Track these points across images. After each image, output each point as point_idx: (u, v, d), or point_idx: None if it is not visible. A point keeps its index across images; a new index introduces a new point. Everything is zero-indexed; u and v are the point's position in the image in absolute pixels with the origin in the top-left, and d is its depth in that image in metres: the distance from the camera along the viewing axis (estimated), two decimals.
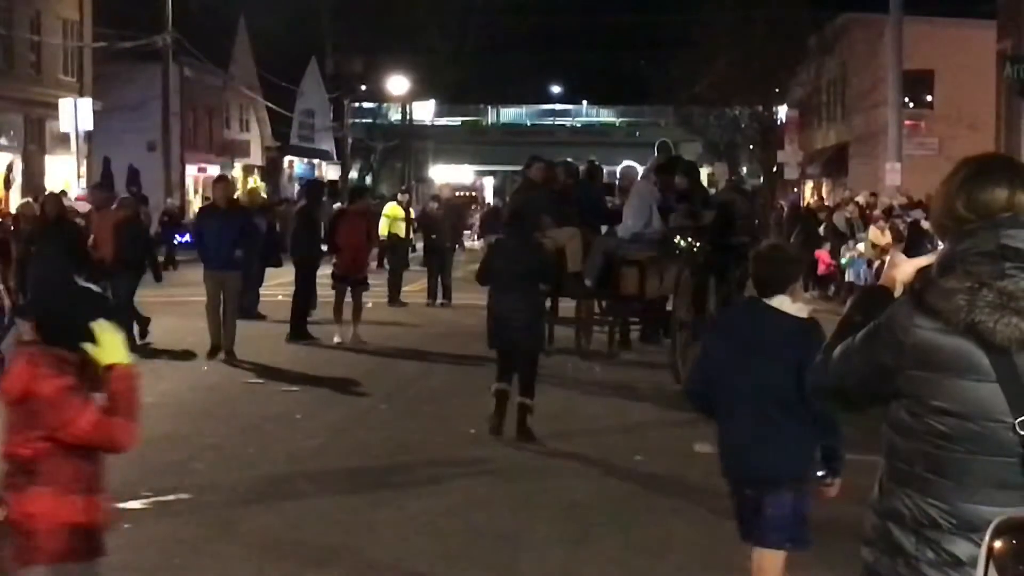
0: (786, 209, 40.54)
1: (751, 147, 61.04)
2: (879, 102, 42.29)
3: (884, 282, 3.92)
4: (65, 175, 39.59)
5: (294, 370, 16.98)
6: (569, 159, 22.15)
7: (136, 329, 17.86)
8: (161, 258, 36.91)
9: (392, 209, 28.19)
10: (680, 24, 56.13)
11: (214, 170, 56.49)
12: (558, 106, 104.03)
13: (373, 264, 23.77)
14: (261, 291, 23.01)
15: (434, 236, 27.29)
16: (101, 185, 22.95)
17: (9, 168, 39.86)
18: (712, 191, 23.12)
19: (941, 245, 3.76)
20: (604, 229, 17.78)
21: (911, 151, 39.96)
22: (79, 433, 4.95)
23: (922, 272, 3.69)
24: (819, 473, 6.19)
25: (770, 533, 6.40)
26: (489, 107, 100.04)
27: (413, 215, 30.47)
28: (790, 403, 6.06)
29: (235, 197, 21.43)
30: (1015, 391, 3.44)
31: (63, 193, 22.19)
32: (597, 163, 20.32)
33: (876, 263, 22.23)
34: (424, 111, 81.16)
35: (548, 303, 15.90)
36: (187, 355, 17.80)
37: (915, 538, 3.55)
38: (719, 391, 6.38)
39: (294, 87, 64.41)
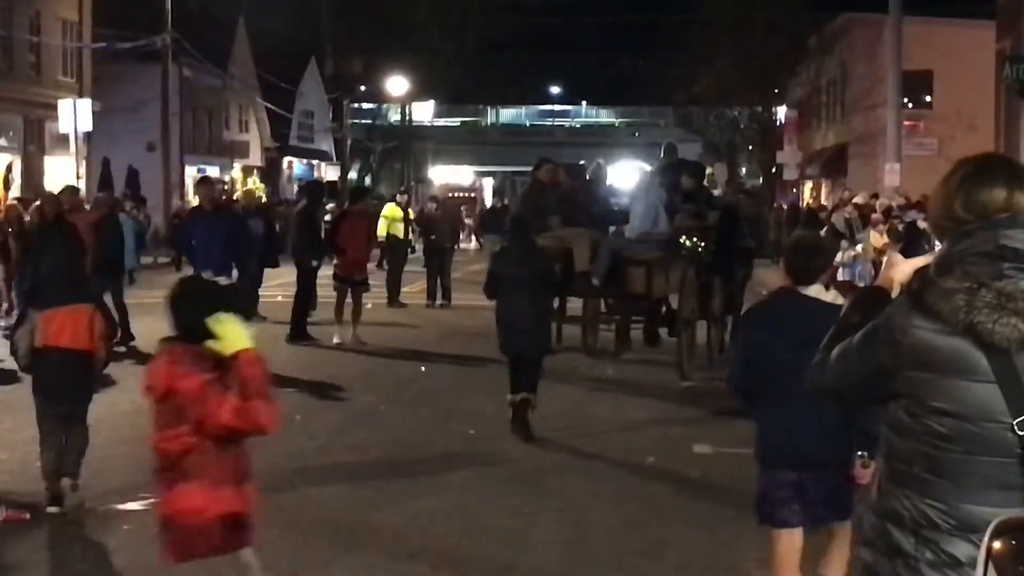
0: (785, 209, 40.61)
1: (750, 147, 61.11)
2: (878, 102, 42.32)
3: (881, 283, 3.93)
4: (64, 176, 39.58)
5: (294, 371, 16.97)
6: (582, 161, 22.35)
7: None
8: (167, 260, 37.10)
9: (391, 210, 28.19)
10: (679, 24, 56.14)
11: (213, 171, 56.55)
12: (557, 107, 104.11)
13: (372, 265, 23.74)
14: (260, 292, 23.00)
15: (433, 237, 27.30)
16: (75, 188, 22.75)
17: (8, 169, 39.86)
18: (716, 192, 23.28)
19: (939, 246, 3.77)
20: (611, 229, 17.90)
21: (910, 151, 39.98)
22: (224, 422, 5.08)
23: (920, 273, 3.69)
24: (859, 453, 6.27)
25: (822, 511, 6.63)
26: (488, 108, 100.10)
27: (412, 216, 30.45)
28: None
29: (222, 199, 21.36)
30: (1014, 391, 3.44)
31: (75, 190, 22.01)
32: (603, 165, 20.41)
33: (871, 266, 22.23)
34: (423, 112, 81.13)
35: (556, 303, 16.01)
36: None
37: (914, 539, 3.55)
38: (765, 380, 6.45)
39: (293, 88, 64.40)
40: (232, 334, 5.11)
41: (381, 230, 27.64)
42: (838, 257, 26.24)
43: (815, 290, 6.46)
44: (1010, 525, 3.41)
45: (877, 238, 23.53)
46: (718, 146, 63.00)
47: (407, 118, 72.27)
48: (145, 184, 44.82)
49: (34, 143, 42.00)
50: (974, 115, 41.91)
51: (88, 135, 40.40)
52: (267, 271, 23.35)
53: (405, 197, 31.09)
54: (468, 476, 11.01)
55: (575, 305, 18.24)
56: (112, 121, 43.63)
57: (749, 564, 8.57)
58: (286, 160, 68.13)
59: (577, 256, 16.43)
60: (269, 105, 60.77)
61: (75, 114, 37.54)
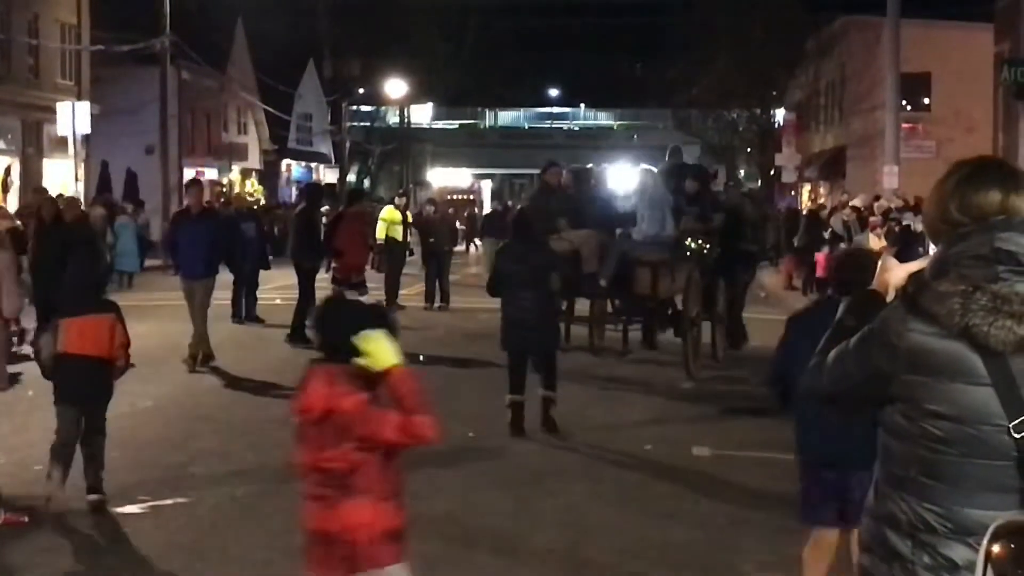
0: (783, 212, 40.61)
1: (749, 150, 61.14)
2: (877, 105, 42.33)
3: (876, 287, 3.93)
4: (63, 178, 39.59)
5: (291, 374, 16.90)
6: (590, 164, 22.66)
7: None
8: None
9: (389, 212, 28.15)
10: (678, 27, 56.18)
11: (212, 173, 56.51)
12: (556, 109, 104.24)
13: (367, 267, 23.75)
14: (259, 294, 23.02)
15: (431, 240, 27.30)
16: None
17: (7, 171, 39.85)
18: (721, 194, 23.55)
19: (933, 249, 3.77)
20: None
21: (908, 154, 40.00)
22: (389, 439, 5.22)
23: (915, 276, 3.69)
24: None
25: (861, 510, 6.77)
26: (487, 110, 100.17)
27: (411, 219, 30.43)
28: None
29: (221, 201, 21.33)
30: (1010, 394, 3.44)
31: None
32: (608, 168, 20.70)
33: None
34: (422, 114, 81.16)
35: (564, 303, 16.18)
36: (182, 360, 17.77)
37: (911, 542, 3.54)
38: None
39: (292, 90, 64.38)
40: (381, 351, 5.19)
41: (380, 233, 27.63)
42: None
43: None
44: (1009, 528, 3.40)
45: (876, 241, 23.54)
46: (717, 148, 63.03)
47: (405, 120, 72.29)
48: (143, 187, 44.81)
49: (33, 146, 41.98)
50: (972, 117, 41.92)
51: (87, 138, 40.37)
52: (264, 274, 23.37)
53: (404, 200, 31.08)
54: (466, 478, 11.00)
55: (582, 306, 18.41)
56: (111, 124, 43.60)
57: (748, 566, 8.57)
58: (284, 162, 68.11)
59: (584, 258, 16.61)
60: (267, 108, 60.75)
61: (74, 117, 37.54)
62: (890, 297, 3.82)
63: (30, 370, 11.37)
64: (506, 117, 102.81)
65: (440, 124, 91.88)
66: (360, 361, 5.17)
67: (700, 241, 17.24)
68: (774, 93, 58.34)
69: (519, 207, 15.54)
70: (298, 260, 20.40)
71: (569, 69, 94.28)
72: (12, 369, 15.17)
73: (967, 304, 3.45)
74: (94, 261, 11.03)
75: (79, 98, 41.66)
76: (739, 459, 11.96)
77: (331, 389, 5.20)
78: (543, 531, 9.37)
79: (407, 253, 27.68)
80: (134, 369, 11.35)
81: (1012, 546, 3.39)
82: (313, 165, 71.67)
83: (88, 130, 38.87)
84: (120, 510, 9.79)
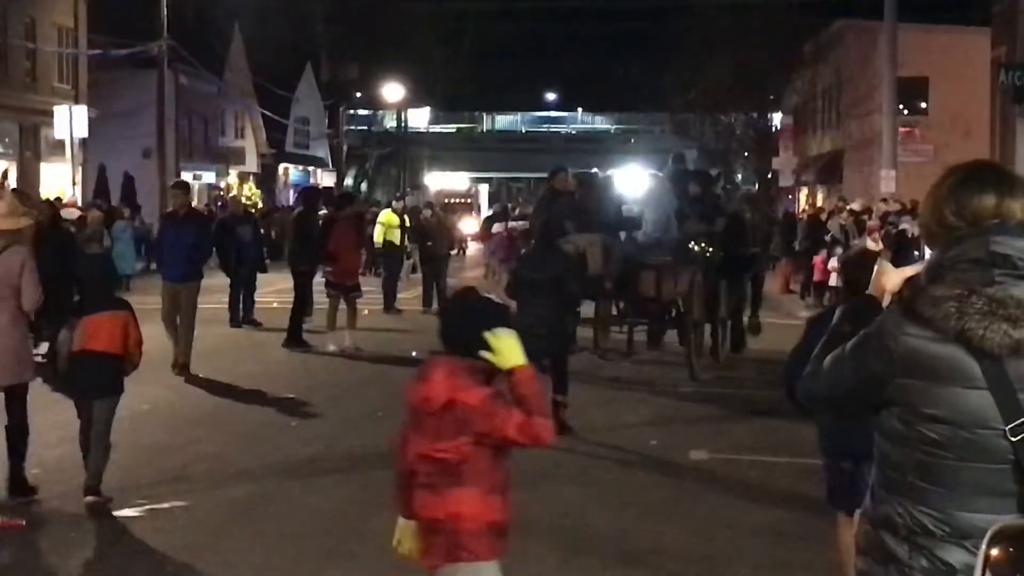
0: (780, 216, 40.54)
1: (746, 154, 61.13)
2: (874, 109, 42.38)
3: (872, 292, 3.93)
4: (60, 182, 39.58)
5: (289, 377, 16.98)
6: (595, 169, 23.05)
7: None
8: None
9: (387, 216, 28.16)
10: (675, 31, 56.17)
11: (209, 177, 56.48)
12: (553, 113, 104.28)
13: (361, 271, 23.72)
14: (256, 297, 23.00)
15: (429, 243, 27.28)
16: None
17: (4, 175, 39.82)
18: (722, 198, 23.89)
19: (929, 253, 3.77)
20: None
21: (906, 158, 40.03)
22: (508, 435, 5.25)
23: (910, 281, 3.70)
24: None
25: None
26: (484, 114, 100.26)
27: (408, 222, 30.43)
28: None
29: (218, 204, 21.25)
30: (1006, 398, 3.44)
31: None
32: (612, 173, 20.98)
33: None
34: (419, 118, 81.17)
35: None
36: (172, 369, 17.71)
37: (908, 546, 3.54)
38: None
39: (289, 94, 64.39)
40: (511, 350, 5.24)
41: (377, 236, 27.64)
42: (832, 263, 26.32)
43: None
44: (1007, 532, 3.40)
45: (873, 246, 23.54)
46: (714, 152, 63.03)
47: (403, 124, 72.31)
48: (141, 191, 44.80)
49: (30, 149, 41.98)
50: (969, 122, 41.99)
51: (84, 141, 40.37)
52: (261, 277, 23.36)
53: (401, 203, 31.08)
54: None
55: (587, 308, 18.56)
56: (108, 127, 43.60)
57: (745, 570, 8.57)
58: (282, 166, 68.12)
59: (590, 260, 16.84)
60: (265, 111, 60.76)
61: (71, 120, 37.52)
62: (886, 302, 3.83)
63: None
64: (503, 121, 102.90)
65: (437, 128, 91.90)
66: (487, 356, 5.22)
67: (703, 244, 17.56)
68: (771, 97, 58.37)
69: (543, 218, 15.84)
70: (294, 264, 20.38)
71: (566, 73, 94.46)
72: None
73: (963, 308, 3.45)
74: (109, 262, 11.18)
75: (76, 102, 41.67)
76: (736, 462, 11.95)
77: (454, 381, 5.26)
78: (539, 534, 9.36)
79: (405, 257, 27.73)
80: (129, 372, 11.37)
81: (1011, 550, 3.39)
82: (310, 169, 71.67)
83: (85, 134, 38.86)
84: (118, 513, 9.78)
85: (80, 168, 40.79)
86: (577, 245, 16.69)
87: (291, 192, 63.85)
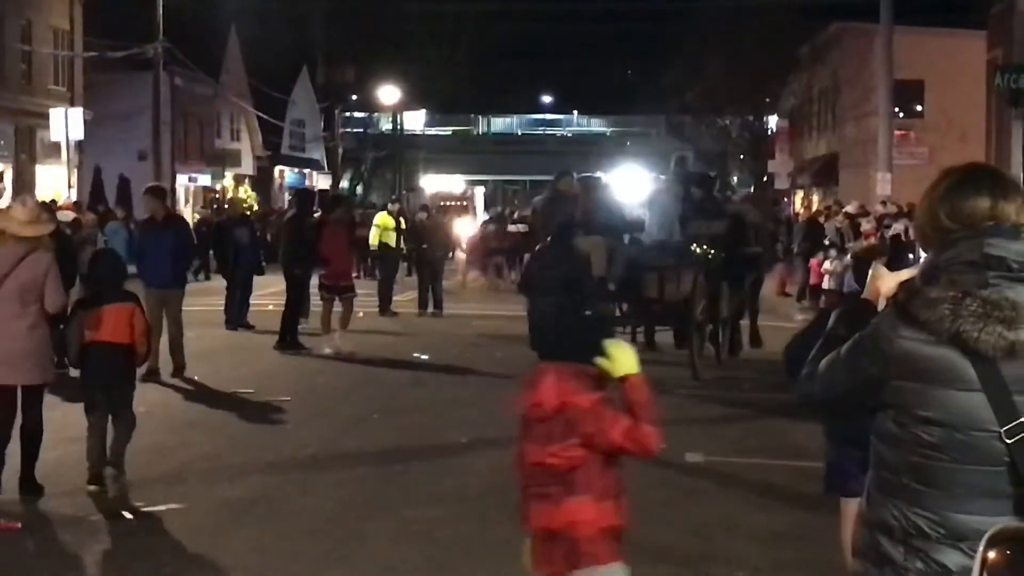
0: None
1: (742, 156, 61.20)
2: (869, 112, 42.41)
3: (868, 295, 3.93)
4: (56, 185, 39.54)
5: (284, 380, 16.96)
6: (598, 172, 23.39)
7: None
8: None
9: (382, 218, 28.15)
10: (671, 34, 56.25)
11: (205, 179, 56.45)
12: (549, 115, 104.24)
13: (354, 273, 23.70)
14: (251, 300, 22.99)
15: (425, 246, 27.28)
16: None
17: (0, 178, 39.83)
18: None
19: (924, 256, 3.77)
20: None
21: (901, 161, 40.05)
22: (614, 441, 5.30)
23: (905, 284, 3.70)
24: None
25: None
26: (480, 116, 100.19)
27: (404, 225, 30.43)
28: None
29: (214, 207, 21.16)
30: (1001, 400, 3.44)
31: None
32: (614, 177, 21.25)
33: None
34: (415, 120, 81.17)
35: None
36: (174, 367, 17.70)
37: (904, 548, 3.54)
38: None
39: (285, 96, 64.39)
40: (626, 357, 5.33)
41: (373, 239, 27.63)
42: (827, 265, 26.34)
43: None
44: (1005, 535, 3.40)
45: None
46: (710, 155, 63.09)
47: (398, 127, 72.31)
48: (136, 193, 44.68)
49: (25, 152, 41.95)
50: (965, 124, 42.02)
51: (79, 144, 40.36)
52: (256, 280, 23.35)
53: (397, 206, 31.07)
54: (460, 485, 10.98)
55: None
56: (103, 130, 43.59)
57: (742, 572, 8.56)
58: (278, 169, 68.12)
59: (594, 262, 17.15)
60: (261, 114, 60.74)
61: (66, 123, 37.51)
62: (881, 305, 3.83)
63: None
64: (499, 123, 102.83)
65: (433, 130, 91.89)
66: (602, 363, 5.29)
67: (705, 246, 17.83)
68: (767, 100, 58.43)
69: (559, 219, 16.17)
70: (288, 267, 20.32)
71: (562, 75, 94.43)
72: None
73: (957, 310, 3.46)
74: (117, 258, 11.57)
75: (72, 104, 41.67)
76: (732, 465, 11.95)
77: (565, 386, 5.32)
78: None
79: (400, 259, 27.73)
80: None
81: (1008, 552, 3.39)
82: (306, 171, 71.68)
83: (81, 136, 38.86)
84: (114, 515, 9.76)
85: (76, 170, 40.76)
86: (582, 247, 16.96)
87: (286, 195, 63.84)
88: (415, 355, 18.51)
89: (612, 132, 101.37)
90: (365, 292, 24.20)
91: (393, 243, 27.59)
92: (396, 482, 11.13)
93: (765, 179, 56.21)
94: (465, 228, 40.40)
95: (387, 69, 63.83)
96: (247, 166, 63.51)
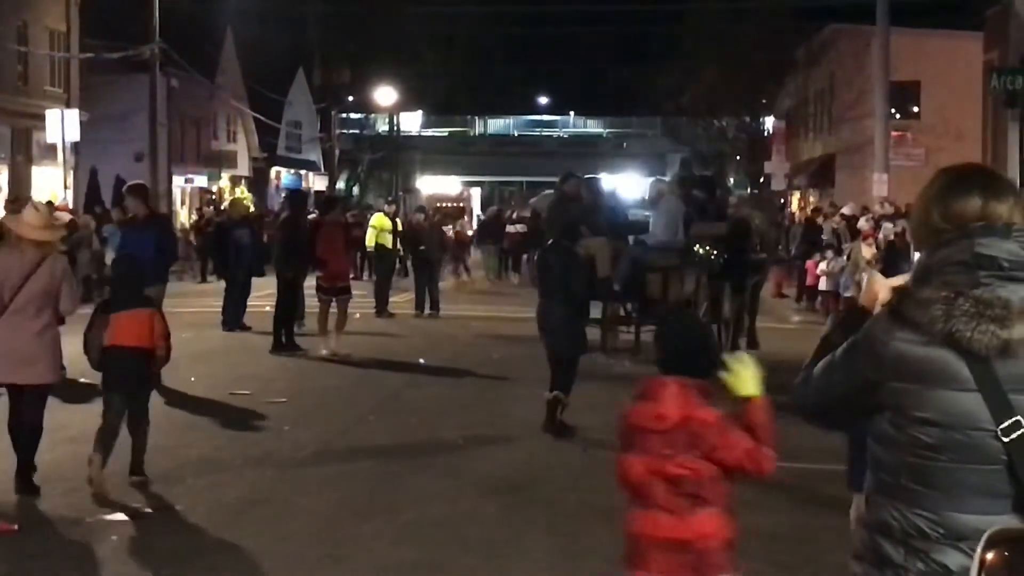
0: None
1: (738, 158, 61.20)
2: (866, 113, 42.43)
3: (864, 302, 3.94)
4: (52, 186, 39.51)
5: (281, 381, 16.96)
6: (602, 174, 23.83)
7: None
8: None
9: (379, 220, 28.13)
10: (667, 35, 56.25)
11: (201, 180, 56.42)
12: (545, 117, 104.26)
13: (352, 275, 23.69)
14: (248, 302, 22.97)
15: (421, 247, 27.27)
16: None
17: None
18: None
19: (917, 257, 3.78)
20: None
21: (898, 162, 40.06)
22: (736, 459, 5.37)
23: (898, 288, 3.71)
24: None
25: None
26: (476, 118, 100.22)
27: (400, 226, 30.43)
28: None
29: (209, 207, 21.07)
30: (996, 399, 3.44)
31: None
32: (618, 179, 21.61)
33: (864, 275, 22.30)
34: (411, 122, 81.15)
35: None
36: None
37: (904, 549, 3.54)
38: None
39: (281, 98, 64.36)
40: (750, 377, 5.37)
41: (369, 240, 27.60)
42: (823, 267, 26.37)
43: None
44: (1004, 536, 3.40)
45: (868, 250, 23.59)
46: (706, 156, 63.12)
47: (395, 128, 72.29)
48: None
49: (22, 153, 41.92)
50: (961, 126, 42.04)
51: (76, 145, 40.33)
52: (255, 281, 23.34)
53: (393, 207, 31.06)
54: (457, 486, 10.98)
55: (596, 309, 19.00)
56: (100, 131, 43.55)
57: (742, 573, 8.55)
58: (274, 170, 68.07)
59: (599, 263, 17.53)
60: (257, 115, 60.73)
61: (63, 124, 37.47)
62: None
63: None
64: (496, 125, 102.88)
65: (430, 132, 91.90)
66: (727, 379, 5.35)
67: (708, 248, 18.13)
68: (763, 101, 58.44)
69: (565, 221, 16.44)
70: (280, 269, 20.28)
71: (559, 77, 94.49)
72: None
73: (950, 310, 3.46)
74: (135, 262, 11.86)
75: (68, 105, 41.62)
76: None
77: (688, 400, 5.39)
78: (533, 538, 9.36)
79: (397, 260, 27.71)
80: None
81: (1006, 554, 3.39)
82: (302, 173, 71.65)
83: (77, 137, 38.82)
84: (110, 517, 9.76)
85: (72, 172, 40.73)
86: (587, 248, 17.26)
87: (281, 196, 63.85)
88: (420, 361, 18.59)
89: (609, 133, 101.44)
90: (361, 293, 24.19)
91: (389, 244, 27.57)
92: (393, 483, 11.13)
93: (762, 180, 56.20)
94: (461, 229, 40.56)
95: (383, 70, 63.81)
96: (243, 167, 63.49)
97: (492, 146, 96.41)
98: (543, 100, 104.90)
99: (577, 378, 13.63)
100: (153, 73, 42.57)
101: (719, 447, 5.32)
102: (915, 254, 3.98)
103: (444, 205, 51.28)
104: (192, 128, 56.19)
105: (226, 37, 58.81)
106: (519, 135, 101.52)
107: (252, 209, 39.81)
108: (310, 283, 20.48)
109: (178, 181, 53.07)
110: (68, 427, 11.26)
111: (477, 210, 68.73)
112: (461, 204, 68.26)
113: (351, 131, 72.75)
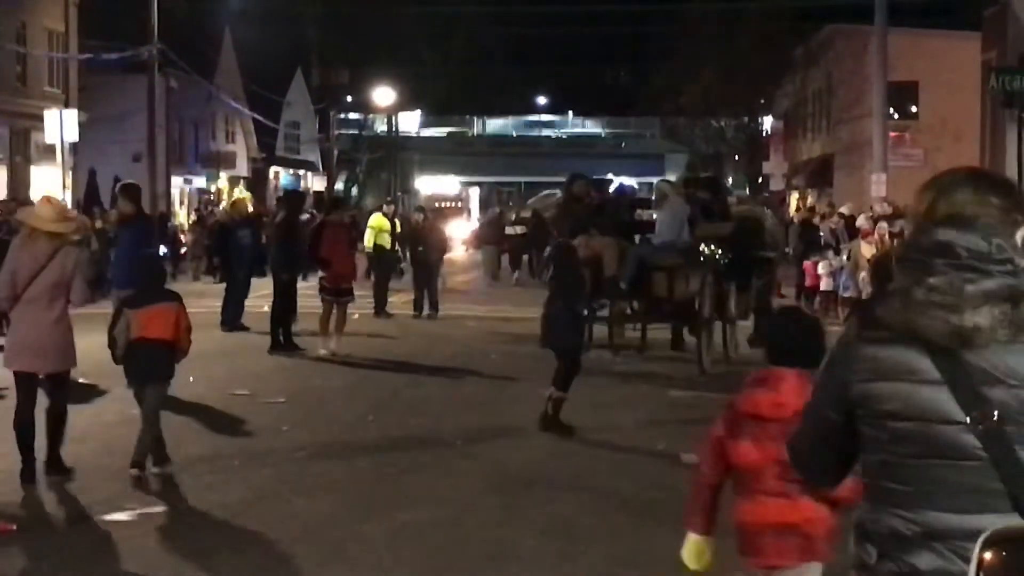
0: None
1: (736, 158, 61.22)
2: (864, 113, 42.44)
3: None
4: (51, 186, 39.46)
5: (280, 382, 16.96)
6: (608, 175, 24.14)
7: None
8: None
9: (377, 220, 28.09)
10: (666, 36, 56.23)
11: (200, 181, 56.41)
12: (544, 117, 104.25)
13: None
14: (246, 302, 22.97)
15: (420, 248, 27.23)
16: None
17: None
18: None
19: None
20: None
21: (896, 162, 40.07)
22: None
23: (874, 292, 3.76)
24: None
25: None
26: (475, 118, 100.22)
27: (399, 227, 30.39)
28: None
29: (208, 208, 21.02)
30: (964, 391, 3.43)
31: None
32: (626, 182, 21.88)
33: (863, 274, 22.29)
34: (410, 122, 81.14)
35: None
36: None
37: (876, 550, 3.54)
38: None
39: (280, 98, 64.35)
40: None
41: (368, 241, 27.57)
42: (822, 268, 26.35)
43: None
44: (1002, 536, 3.39)
45: (867, 249, 23.58)
46: (705, 157, 63.13)
47: (393, 128, 72.29)
48: None
49: (20, 153, 41.91)
50: (960, 126, 42.04)
51: (74, 146, 40.28)
52: (255, 281, 23.34)
53: (392, 207, 31.02)
54: (455, 487, 10.99)
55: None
56: (98, 132, 43.53)
57: (742, 573, 8.56)
58: (272, 170, 68.07)
59: (606, 262, 17.88)
60: (255, 116, 60.72)
61: (61, 125, 37.42)
62: None
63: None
64: (494, 125, 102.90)
65: (428, 132, 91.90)
66: None
67: (713, 247, 18.28)
68: (762, 101, 58.47)
69: (570, 222, 16.72)
70: (276, 270, 20.26)
71: (557, 77, 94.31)
72: None
73: (906, 301, 3.47)
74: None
75: (67, 106, 41.58)
76: None
77: (805, 389, 5.40)
78: (533, 539, 9.36)
79: (396, 263, 27.68)
80: (122, 377, 11.40)
81: (1004, 554, 3.38)
82: (301, 173, 71.65)
83: (76, 138, 38.77)
84: (108, 517, 9.76)
85: (70, 172, 40.71)
86: (594, 247, 17.73)
87: (278, 197, 63.91)
88: (419, 362, 18.65)
89: (607, 134, 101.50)
90: (360, 294, 24.20)
91: (388, 245, 27.54)
92: (392, 483, 11.14)
93: (760, 180, 56.22)
94: (460, 230, 40.53)
95: (382, 71, 63.83)
96: (242, 168, 63.49)
97: (491, 146, 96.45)
98: (542, 100, 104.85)
99: (581, 376, 13.67)
100: (152, 74, 42.55)
101: None
102: None
103: (443, 205, 51.30)
104: (191, 128, 56.22)
105: (224, 38, 58.82)
106: (518, 135, 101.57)
107: (251, 209, 39.83)
108: (304, 284, 20.48)
109: (176, 182, 53.06)
110: (69, 427, 11.24)
111: (476, 210, 68.74)
112: (460, 204, 68.33)
113: (350, 131, 72.79)
